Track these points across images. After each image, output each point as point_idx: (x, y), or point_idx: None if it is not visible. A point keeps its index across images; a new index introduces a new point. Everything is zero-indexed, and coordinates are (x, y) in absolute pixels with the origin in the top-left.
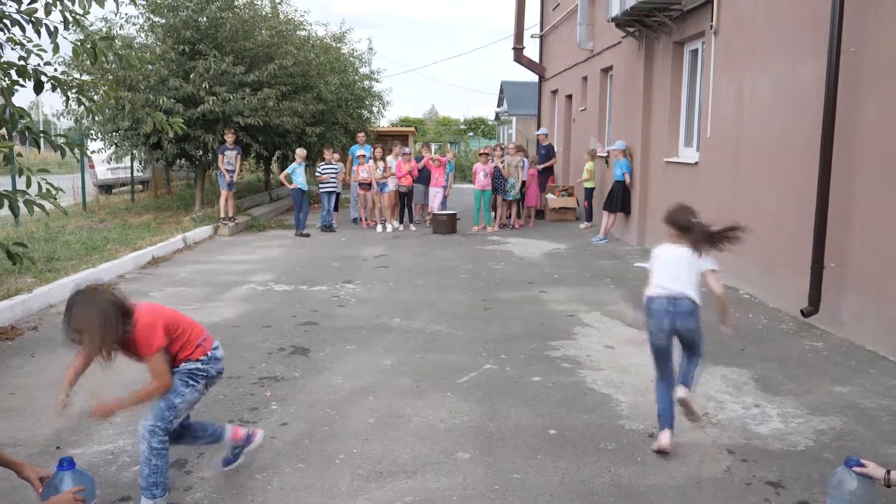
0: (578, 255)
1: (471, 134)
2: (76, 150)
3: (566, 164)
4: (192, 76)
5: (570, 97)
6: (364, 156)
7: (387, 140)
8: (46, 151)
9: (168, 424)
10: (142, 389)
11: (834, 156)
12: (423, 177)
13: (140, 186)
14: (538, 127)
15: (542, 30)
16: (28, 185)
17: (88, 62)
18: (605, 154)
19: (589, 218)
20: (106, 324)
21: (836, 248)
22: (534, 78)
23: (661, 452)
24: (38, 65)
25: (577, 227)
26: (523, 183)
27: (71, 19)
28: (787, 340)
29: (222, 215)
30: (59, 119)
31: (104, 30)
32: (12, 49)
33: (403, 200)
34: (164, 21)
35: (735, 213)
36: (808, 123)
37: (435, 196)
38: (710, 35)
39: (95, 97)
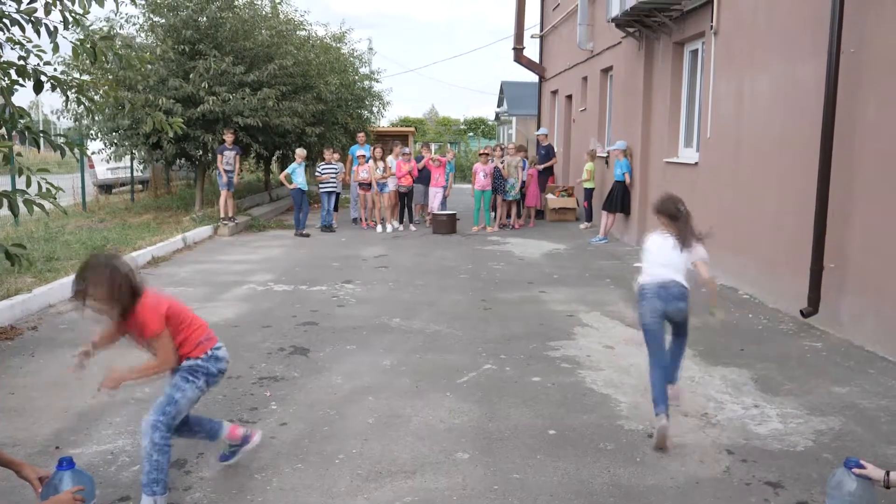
0: (578, 256)
1: (471, 134)
2: (76, 150)
3: (566, 164)
4: (191, 76)
5: (570, 97)
6: (364, 156)
7: (387, 140)
8: (46, 151)
9: (170, 420)
10: (147, 363)
11: (834, 156)
12: (423, 177)
13: (140, 186)
14: (538, 127)
15: (542, 30)
16: (28, 184)
17: (88, 62)
18: (604, 154)
19: (589, 218)
20: (112, 282)
21: (836, 249)
22: (534, 78)
23: (661, 443)
24: (38, 64)
25: (577, 227)
26: (523, 183)
27: (71, 19)
28: (786, 341)
29: (222, 215)
30: (58, 118)
31: (106, 29)
32: (12, 49)
33: (403, 200)
34: (164, 21)
35: (735, 214)
36: (808, 124)
37: (435, 196)
38: (710, 35)
39: (95, 97)
